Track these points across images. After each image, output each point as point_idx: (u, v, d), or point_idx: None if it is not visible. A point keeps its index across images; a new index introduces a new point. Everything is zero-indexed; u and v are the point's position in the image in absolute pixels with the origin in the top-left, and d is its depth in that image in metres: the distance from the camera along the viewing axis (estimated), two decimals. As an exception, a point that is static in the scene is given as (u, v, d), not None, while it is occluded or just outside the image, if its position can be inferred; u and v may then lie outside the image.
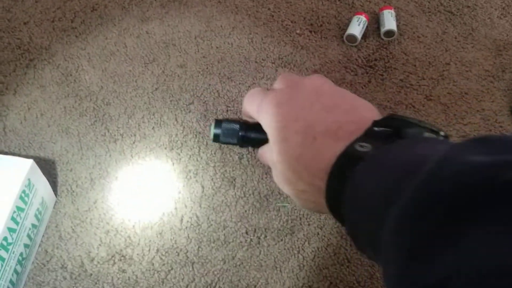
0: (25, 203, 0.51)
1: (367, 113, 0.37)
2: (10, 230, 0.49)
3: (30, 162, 0.52)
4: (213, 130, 0.51)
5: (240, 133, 0.50)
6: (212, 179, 0.60)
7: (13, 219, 0.49)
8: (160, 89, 0.66)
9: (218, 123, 0.51)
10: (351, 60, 0.70)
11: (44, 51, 0.69)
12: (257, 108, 0.42)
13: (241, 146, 0.52)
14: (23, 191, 0.51)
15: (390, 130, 0.33)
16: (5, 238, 0.48)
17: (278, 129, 0.38)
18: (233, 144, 0.51)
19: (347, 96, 0.39)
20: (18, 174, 0.51)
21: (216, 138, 0.51)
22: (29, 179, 0.52)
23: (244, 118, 0.50)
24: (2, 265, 0.48)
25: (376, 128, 0.34)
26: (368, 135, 0.34)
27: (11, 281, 0.50)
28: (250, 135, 0.50)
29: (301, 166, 0.36)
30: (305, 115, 0.37)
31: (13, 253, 0.50)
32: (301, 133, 0.36)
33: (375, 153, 0.31)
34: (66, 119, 0.64)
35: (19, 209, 0.50)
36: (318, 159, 0.35)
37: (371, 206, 0.28)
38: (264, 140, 0.44)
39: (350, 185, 0.31)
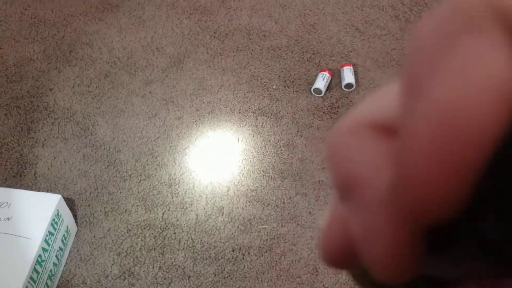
0: (55, 229, 0.65)
1: None
2: (44, 249, 0.62)
3: (58, 197, 0.66)
4: None
5: None
6: (204, 208, 0.73)
7: (46, 241, 0.63)
8: (161, 138, 0.81)
9: None
10: (318, 108, 0.85)
11: (66, 111, 0.85)
12: None
13: None
14: (53, 220, 0.64)
15: None
16: (40, 256, 0.61)
17: None
18: None
19: None
20: (50, 206, 0.65)
21: None
22: (58, 210, 0.65)
23: None
24: (37, 277, 0.61)
25: None
26: None
27: (42, 293, 0.63)
28: None
29: None
30: None
31: (45, 269, 0.63)
32: None
33: None
34: (84, 164, 0.78)
35: (50, 233, 0.64)
36: None
37: None
38: None
39: None
